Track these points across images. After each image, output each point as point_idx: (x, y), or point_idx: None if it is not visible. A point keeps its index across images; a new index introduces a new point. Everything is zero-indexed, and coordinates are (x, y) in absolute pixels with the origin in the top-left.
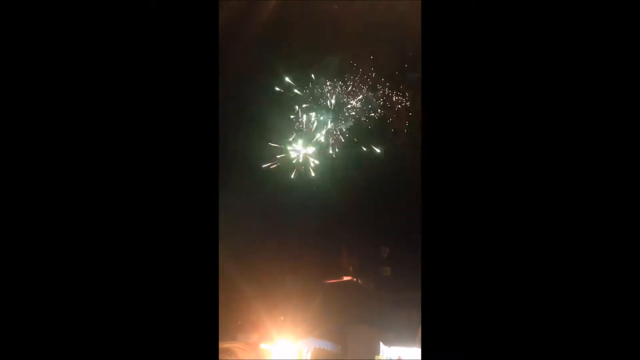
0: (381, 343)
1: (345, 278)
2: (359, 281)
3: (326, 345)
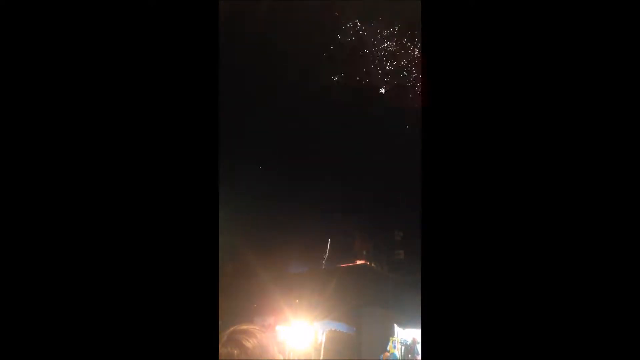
0: (395, 325)
1: (359, 262)
2: (373, 264)
3: (341, 328)
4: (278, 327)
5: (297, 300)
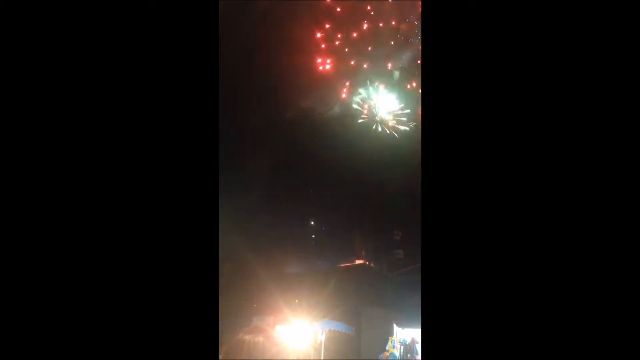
0: (395, 325)
1: (358, 262)
2: (372, 264)
3: (341, 327)
4: (278, 327)
5: (296, 300)
